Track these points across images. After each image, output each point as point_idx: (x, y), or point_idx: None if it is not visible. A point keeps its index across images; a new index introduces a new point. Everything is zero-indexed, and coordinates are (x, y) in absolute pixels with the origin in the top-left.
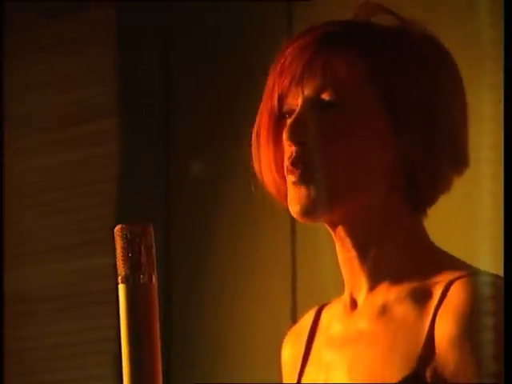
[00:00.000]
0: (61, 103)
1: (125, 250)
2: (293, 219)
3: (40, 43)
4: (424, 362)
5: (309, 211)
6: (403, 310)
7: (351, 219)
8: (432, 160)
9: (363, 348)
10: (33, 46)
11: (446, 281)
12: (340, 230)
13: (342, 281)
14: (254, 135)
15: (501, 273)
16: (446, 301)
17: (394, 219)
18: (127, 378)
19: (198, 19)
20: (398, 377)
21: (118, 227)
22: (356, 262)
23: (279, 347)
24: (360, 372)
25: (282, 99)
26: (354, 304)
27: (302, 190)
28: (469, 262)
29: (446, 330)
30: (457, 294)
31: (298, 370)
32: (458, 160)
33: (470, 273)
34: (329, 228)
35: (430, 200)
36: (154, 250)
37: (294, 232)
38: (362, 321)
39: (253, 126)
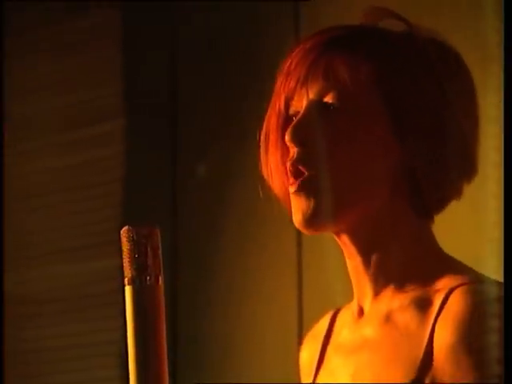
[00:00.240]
0: (66, 105)
1: (131, 251)
2: None
3: (45, 44)
4: (424, 371)
5: (311, 223)
6: (406, 317)
7: (355, 227)
8: (437, 168)
9: (367, 355)
10: (37, 46)
11: (448, 288)
12: (344, 237)
13: (349, 282)
14: (262, 138)
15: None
16: (445, 309)
17: (397, 226)
18: (134, 380)
19: (203, 19)
20: None
21: (124, 229)
22: (361, 269)
23: (286, 347)
24: (363, 380)
25: (288, 101)
26: (360, 311)
27: (304, 201)
28: (475, 265)
29: (443, 338)
30: (456, 303)
31: (313, 373)
32: (466, 167)
33: (472, 280)
34: (333, 235)
35: (437, 207)
36: (160, 252)
37: (300, 232)
38: (368, 328)
39: (259, 126)
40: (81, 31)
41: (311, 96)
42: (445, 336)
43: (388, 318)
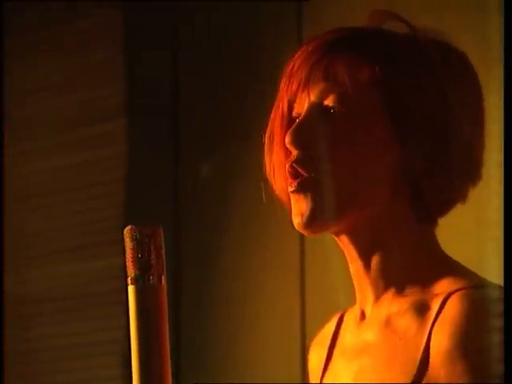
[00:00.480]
0: (68, 105)
1: (134, 251)
2: None
3: (46, 44)
4: (421, 376)
5: (310, 224)
6: (405, 322)
7: (355, 230)
8: (438, 171)
9: (367, 360)
10: (37, 46)
11: (446, 293)
12: (344, 239)
13: (351, 283)
14: (266, 138)
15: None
16: (442, 314)
17: (398, 230)
18: (136, 379)
19: (205, 19)
20: None
21: (127, 228)
22: (362, 273)
23: (289, 348)
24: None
25: (291, 104)
26: (362, 315)
27: (302, 202)
28: (476, 264)
29: (440, 344)
30: (452, 308)
31: (319, 377)
32: (470, 171)
33: (471, 285)
34: (334, 236)
35: (440, 210)
36: (163, 251)
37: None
38: (368, 332)
39: (262, 126)
40: (82, 31)
41: (312, 98)
42: (441, 341)
43: (388, 322)
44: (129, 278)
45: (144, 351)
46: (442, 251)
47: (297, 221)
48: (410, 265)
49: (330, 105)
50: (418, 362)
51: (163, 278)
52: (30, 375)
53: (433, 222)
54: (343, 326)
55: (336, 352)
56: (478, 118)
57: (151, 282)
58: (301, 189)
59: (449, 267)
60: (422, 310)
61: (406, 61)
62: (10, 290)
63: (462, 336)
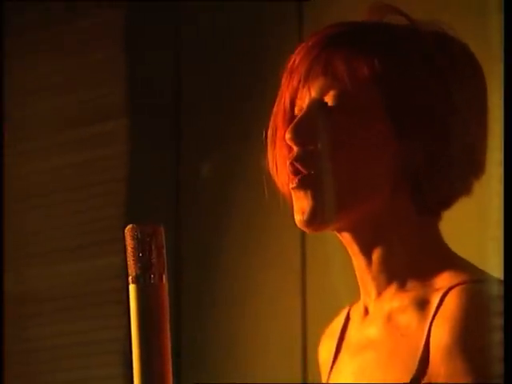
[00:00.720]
0: (70, 104)
1: (135, 250)
2: None
3: (46, 44)
4: (421, 371)
5: (312, 221)
6: (406, 317)
7: (356, 226)
8: (438, 166)
9: (370, 355)
10: (38, 46)
11: (446, 288)
12: (345, 235)
13: (352, 282)
14: (269, 133)
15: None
16: (441, 309)
17: (399, 225)
18: (137, 378)
19: (207, 19)
20: None
21: (128, 227)
22: (364, 268)
23: (290, 347)
24: (365, 379)
25: (293, 100)
26: (366, 310)
27: (304, 198)
28: (477, 263)
29: (439, 339)
30: (451, 302)
31: (328, 372)
32: (472, 165)
33: (471, 279)
34: (336, 233)
35: (442, 204)
36: (164, 250)
37: (304, 232)
38: (371, 328)
39: (263, 126)
40: (82, 31)
41: (313, 94)
42: (441, 336)
43: (389, 318)
44: (130, 277)
45: (145, 350)
46: (445, 245)
47: (298, 218)
48: (411, 260)
49: (330, 101)
50: (418, 358)
51: (164, 276)
52: (30, 374)
53: (435, 216)
54: (351, 320)
55: (343, 347)
56: (481, 110)
57: (152, 281)
58: (301, 185)
59: (450, 262)
60: (422, 305)
61: (406, 55)
62: (10, 290)
63: (461, 331)
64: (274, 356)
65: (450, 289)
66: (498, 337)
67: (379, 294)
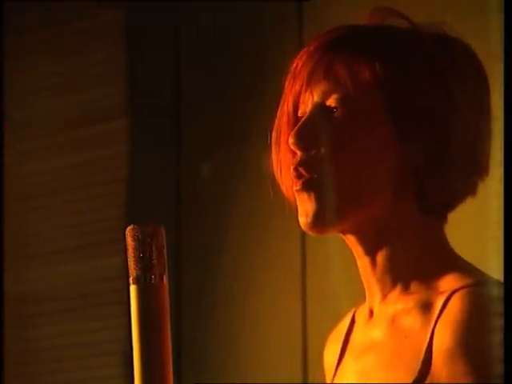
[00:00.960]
0: (70, 104)
1: (136, 250)
2: None
3: (46, 44)
4: (423, 374)
5: (316, 224)
6: (409, 320)
7: (360, 228)
8: (440, 168)
9: (373, 357)
10: (38, 47)
11: (450, 291)
12: (350, 237)
13: (352, 283)
14: (274, 136)
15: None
16: (444, 312)
17: (403, 227)
18: (138, 379)
19: (207, 19)
20: None
21: (129, 228)
22: (369, 270)
23: (290, 347)
24: (367, 381)
25: (296, 104)
26: (371, 312)
27: (308, 200)
28: (477, 264)
29: (442, 342)
30: (455, 306)
31: (332, 374)
32: (475, 166)
33: (475, 283)
34: (340, 235)
35: (446, 206)
36: (165, 251)
37: (304, 233)
38: (375, 330)
39: (263, 126)
40: (82, 31)
41: (316, 98)
42: (443, 339)
43: (393, 320)
44: (130, 278)
45: (145, 351)
46: (450, 248)
47: (302, 220)
48: (415, 262)
49: (332, 105)
50: (421, 361)
51: (165, 277)
52: (30, 375)
53: (440, 218)
54: (356, 322)
55: (348, 349)
56: (484, 110)
57: (153, 282)
58: (305, 188)
59: (455, 264)
60: (426, 307)
61: (407, 57)
62: (10, 290)
63: (464, 335)
64: (274, 356)
65: (453, 292)
66: (500, 340)
67: (384, 296)
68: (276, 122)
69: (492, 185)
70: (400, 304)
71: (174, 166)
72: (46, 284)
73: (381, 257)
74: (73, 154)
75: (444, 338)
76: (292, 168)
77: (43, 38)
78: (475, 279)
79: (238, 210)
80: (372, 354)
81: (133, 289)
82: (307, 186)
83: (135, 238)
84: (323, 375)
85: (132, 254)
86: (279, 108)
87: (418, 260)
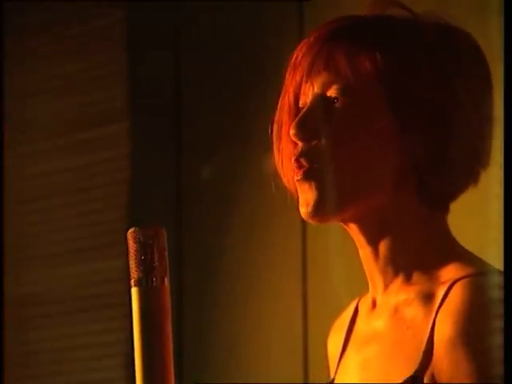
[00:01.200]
0: (71, 107)
1: (137, 253)
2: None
3: (46, 46)
4: (424, 364)
5: (317, 213)
6: (411, 310)
7: (361, 218)
8: (440, 160)
9: (375, 348)
10: (38, 48)
11: (451, 281)
12: (352, 227)
13: (354, 281)
14: (275, 128)
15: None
16: (446, 302)
17: (404, 217)
18: (139, 381)
19: (207, 20)
20: (400, 379)
21: (130, 230)
22: (371, 260)
23: (292, 347)
24: (369, 372)
25: (297, 95)
26: (373, 303)
27: (308, 190)
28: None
29: (443, 332)
30: (456, 296)
31: (336, 364)
32: (476, 156)
33: (477, 273)
34: (342, 225)
35: (448, 196)
36: (166, 253)
37: (306, 231)
38: (378, 321)
39: (265, 126)
40: (82, 33)
41: (316, 89)
42: (444, 329)
43: (396, 311)
44: (132, 280)
45: (147, 353)
46: (452, 238)
47: (303, 210)
48: (417, 252)
49: (333, 96)
50: (422, 351)
51: (166, 279)
52: (31, 377)
53: (442, 209)
54: (359, 312)
55: (350, 340)
56: (486, 99)
57: (154, 284)
58: (306, 178)
59: (457, 254)
60: (428, 298)
61: (407, 48)
62: (10, 292)
63: (465, 325)
64: (276, 356)
65: (454, 282)
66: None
67: (386, 286)
68: (277, 113)
69: (492, 186)
70: (402, 295)
71: (174, 167)
72: (47, 286)
73: (383, 247)
74: (73, 157)
75: (445, 327)
76: (293, 159)
77: (43, 40)
78: (476, 269)
79: (239, 212)
80: (374, 345)
81: (134, 291)
82: (308, 176)
83: (137, 241)
84: (324, 373)
85: (133, 257)
86: (280, 99)
87: (419, 250)
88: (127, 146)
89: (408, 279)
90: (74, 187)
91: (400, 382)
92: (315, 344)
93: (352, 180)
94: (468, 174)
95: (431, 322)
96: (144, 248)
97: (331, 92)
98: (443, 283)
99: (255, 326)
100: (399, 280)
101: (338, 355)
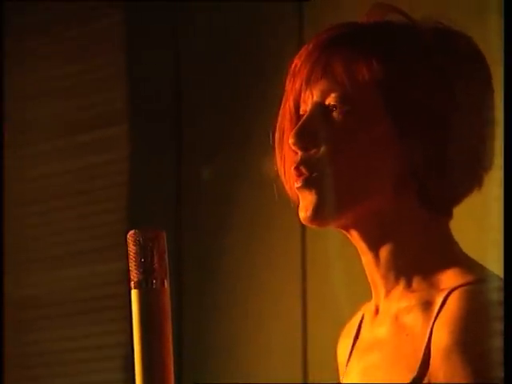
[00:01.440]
0: (71, 109)
1: (137, 255)
2: None
3: (46, 48)
4: (422, 373)
5: (316, 217)
6: (411, 318)
7: (362, 223)
8: (442, 163)
9: (375, 356)
10: (38, 50)
11: (450, 289)
12: (353, 233)
13: (354, 284)
14: (277, 138)
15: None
16: (443, 310)
17: (405, 223)
18: (140, 383)
19: (207, 20)
20: None
21: (130, 232)
22: (373, 266)
23: (292, 348)
24: (369, 380)
25: (297, 103)
26: (376, 310)
27: (308, 196)
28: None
29: (440, 341)
30: (453, 304)
31: (343, 372)
32: (478, 159)
33: (475, 280)
34: (344, 232)
35: (450, 201)
36: (166, 255)
37: (305, 233)
38: (380, 328)
39: (264, 126)
40: (82, 35)
41: (315, 97)
42: (441, 338)
43: (396, 318)
44: (132, 282)
45: (147, 355)
46: (455, 244)
47: (302, 215)
48: (418, 258)
49: (332, 103)
50: (420, 360)
51: (166, 281)
52: (30, 379)
53: (445, 214)
54: (363, 319)
55: (355, 346)
56: (487, 105)
57: (154, 286)
58: (305, 186)
59: (458, 261)
60: (427, 305)
61: (405, 54)
62: (10, 294)
63: (461, 333)
64: (276, 356)
65: (452, 290)
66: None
67: (388, 292)
68: (278, 121)
69: (492, 189)
70: (403, 302)
71: (174, 168)
72: (47, 288)
73: (384, 253)
74: (73, 159)
75: (442, 336)
76: (293, 167)
77: (43, 40)
78: (475, 276)
79: (238, 213)
80: (376, 353)
81: (134, 293)
82: (308, 184)
83: (136, 243)
84: (323, 374)
85: (133, 259)
86: (281, 107)
87: (420, 256)
88: (127, 148)
89: (409, 285)
90: (74, 189)
91: None
92: (314, 345)
93: (350, 184)
94: (470, 178)
95: (429, 330)
96: (144, 250)
97: (330, 100)
98: (442, 290)
99: (255, 326)
100: (401, 286)
101: (346, 362)
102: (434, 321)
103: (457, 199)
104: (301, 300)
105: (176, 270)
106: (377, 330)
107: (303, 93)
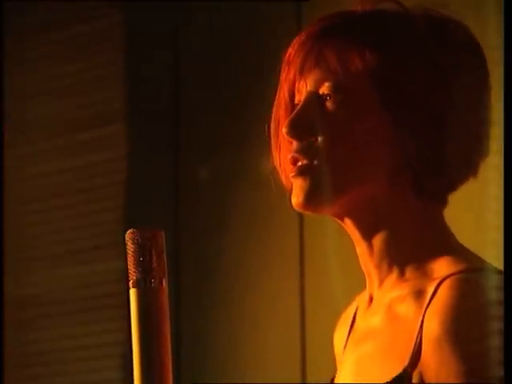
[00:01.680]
0: (69, 108)
1: (136, 254)
2: (301, 219)
3: (46, 47)
4: (413, 363)
5: (308, 202)
6: (404, 307)
7: (356, 211)
8: (436, 152)
9: (369, 345)
10: (38, 49)
11: (442, 277)
12: (347, 222)
13: (350, 280)
14: (272, 128)
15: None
16: (434, 300)
17: (398, 212)
18: (137, 382)
19: (206, 20)
20: (391, 377)
21: (129, 232)
22: (367, 256)
23: (289, 347)
24: (362, 369)
25: (291, 92)
26: (370, 299)
27: (301, 183)
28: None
29: (430, 331)
30: (444, 292)
31: (340, 361)
32: (475, 147)
33: (467, 269)
34: (338, 221)
35: (445, 190)
36: (164, 254)
37: (303, 233)
38: (373, 317)
39: (263, 127)
40: (82, 34)
41: (309, 87)
42: (432, 327)
43: (389, 307)
44: (130, 282)
45: (145, 354)
46: (449, 233)
47: (294, 200)
48: (411, 247)
49: (325, 92)
50: (411, 349)
51: (164, 280)
52: (31, 378)
53: (439, 202)
54: (358, 308)
55: (350, 335)
56: (482, 94)
57: (152, 285)
58: (300, 174)
59: (450, 250)
60: (419, 294)
61: (398, 43)
62: (10, 293)
63: (451, 323)
64: (274, 356)
65: (444, 279)
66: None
67: (381, 281)
68: (274, 111)
69: (491, 188)
70: (396, 291)
71: (172, 168)
72: (46, 287)
73: (377, 241)
74: (72, 158)
75: (432, 326)
76: (289, 156)
77: (43, 40)
78: (467, 265)
79: (236, 212)
80: (369, 342)
81: (132, 292)
82: (302, 172)
83: (135, 242)
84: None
85: (132, 258)
86: (276, 97)
87: (413, 245)
88: (126, 147)
89: (402, 274)
90: (72, 188)
91: (388, 380)
92: (313, 343)
93: (343, 171)
94: (465, 165)
95: (420, 319)
96: (142, 249)
97: (323, 89)
98: (434, 279)
99: (253, 325)
100: (394, 275)
101: (342, 351)
102: (426, 310)
103: (452, 186)
104: (298, 300)
105: (174, 270)
106: (370, 320)
107: (297, 82)
